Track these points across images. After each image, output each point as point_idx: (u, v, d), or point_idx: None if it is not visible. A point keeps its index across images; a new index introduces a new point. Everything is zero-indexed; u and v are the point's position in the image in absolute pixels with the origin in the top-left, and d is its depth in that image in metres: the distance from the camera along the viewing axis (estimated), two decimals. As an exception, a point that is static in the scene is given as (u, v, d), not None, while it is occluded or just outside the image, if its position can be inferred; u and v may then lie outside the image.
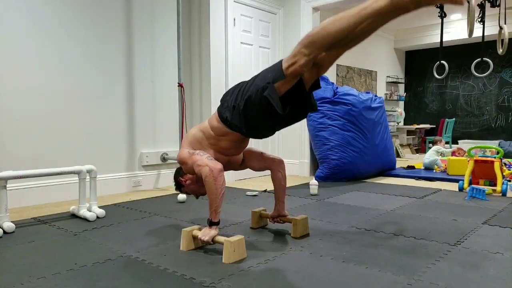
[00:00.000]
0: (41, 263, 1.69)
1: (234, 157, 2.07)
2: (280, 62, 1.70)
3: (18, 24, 2.88)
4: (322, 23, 1.59)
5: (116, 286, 1.45)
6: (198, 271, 1.58)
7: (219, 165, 1.77)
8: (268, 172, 4.61)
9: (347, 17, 1.52)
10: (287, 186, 3.72)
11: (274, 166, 2.12)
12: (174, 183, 2.16)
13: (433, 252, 1.79)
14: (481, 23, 3.46)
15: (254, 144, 4.34)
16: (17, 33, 2.88)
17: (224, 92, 4.10)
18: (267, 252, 1.82)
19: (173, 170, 3.90)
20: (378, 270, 1.58)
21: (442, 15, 3.94)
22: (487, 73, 3.79)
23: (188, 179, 2.10)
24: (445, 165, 4.56)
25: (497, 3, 2.93)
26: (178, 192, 2.22)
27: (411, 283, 1.45)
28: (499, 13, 3.01)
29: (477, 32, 5.71)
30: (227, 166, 2.06)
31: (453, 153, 5.12)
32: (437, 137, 5.34)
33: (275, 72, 1.70)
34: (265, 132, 1.89)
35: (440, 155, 4.87)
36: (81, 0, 3.21)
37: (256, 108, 1.74)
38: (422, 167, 4.91)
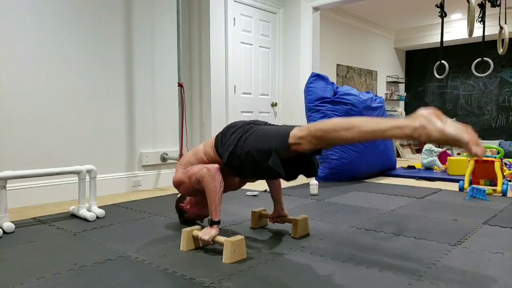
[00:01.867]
0: (41, 263, 1.69)
1: (230, 178, 2.03)
2: (288, 130, 1.68)
3: (17, 24, 2.88)
4: (336, 122, 1.54)
5: (116, 286, 1.44)
6: (198, 271, 1.58)
7: (215, 165, 1.80)
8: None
9: (362, 131, 1.47)
10: (287, 186, 3.73)
11: None
12: (177, 214, 2.23)
13: (434, 252, 1.79)
14: (482, 22, 3.46)
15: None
16: (17, 33, 2.88)
17: (224, 92, 4.12)
18: (267, 252, 1.81)
19: (173, 170, 3.91)
20: (379, 270, 1.57)
21: (443, 15, 3.94)
22: (487, 73, 3.79)
23: (188, 203, 2.14)
24: (446, 165, 4.55)
25: (498, 3, 2.93)
26: (181, 219, 2.26)
27: (411, 283, 1.45)
28: (499, 13, 3.01)
29: (477, 31, 5.71)
30: (227, 188, 2.03)
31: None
32: None
33: (281, 141, 1.68)
34: (260, 178, 1.89)
35: (434, 153, 4.87)
36: (81, 0, 3.21)
37: (253, 164, 1.74)
38: (422, 167, 4.91)
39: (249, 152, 1.73)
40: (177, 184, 1.96)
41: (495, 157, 3.47)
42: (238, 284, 1.45)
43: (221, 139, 1.88)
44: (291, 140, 1.65)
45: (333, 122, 1.55)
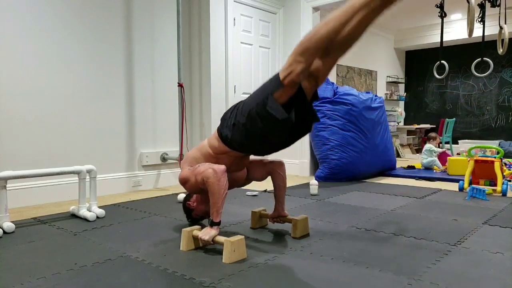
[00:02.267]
0: (41, 263, 1.69)
1: (237, 174, 2.07)
2: (277, 74, 1.69)
3: (17, 24, 2.88)
4: (314, 27, 1.59)
5: (116, 286, 1.44)
6: (198, 271, 1.58)
7: (222, 166, 1.78)
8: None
9: (336, 16, 1.52)
10: (287, 186, 3.72)
11: (274, 168, 2.12)
12: (185, 213, 2.20)
13: (434, 252, 1.79)
14: (481, 23, 3.46)
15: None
16: (17, 33, 2.88)
17: (224, 92, 4.12)
18: (267, 252, 1.82)
19: (173, 170, 3.91)
20: (379, 270, 1.57)
21: (442, 15, 3.94)
22: (487, 73, 3.78)
23: (195, 201, 2.13)
24: (445, 165, 4.56)
25: (497, 3, 2.93)
26: (189, 220, 2.24)
27: (411, 283, 1.45)
28: (499, 13, 3.01)
29: (477, 32, 5.71)
30: (232, 183, 2.06)
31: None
32: (432, 134, 5.33)
33: (273, 83, 1.68)
34: (266, 147, 1.86)
35: (434, 154, 4.88)
36: (81, 0, 3.21)
37: (257, 122, 1.71)
38: (422, 167, 4.91)
39: (250, 111, 1.72)
40: (183, 181, 1.94)
41: (495, 157, 3.47)
42: (238, 284, 1.45)
43: (221, 125, 1.89)
44: (281, 75, 1.65)
45: (312, 29, 1.59)
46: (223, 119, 1.89)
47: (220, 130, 1.89)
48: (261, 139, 1.78)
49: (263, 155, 1.96)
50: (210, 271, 1.58)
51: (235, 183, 2.09)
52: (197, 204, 2.15)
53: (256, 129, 1.73)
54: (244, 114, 1.75)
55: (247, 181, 2.15)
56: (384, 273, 1.54)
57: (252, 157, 2.12)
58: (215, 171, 1.75)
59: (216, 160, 1.93)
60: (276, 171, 2.12)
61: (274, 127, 1.70)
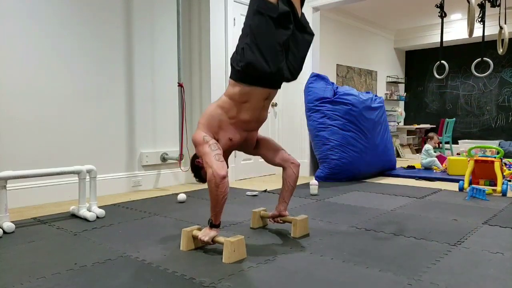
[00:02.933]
0: (41, 263, 1.69)
1: (252, 135, 2.01)
2: None
3: (17, 24, 2.88)
4: None
5: (116, 286, 1.44)
6: (198, 271, 1.58)
7: (223, 171, 1.72)
8: (270, 171, 4.61)
9: None
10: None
11: (290, 165, 2.08)
12: (191, 169, 2.08)
13: (433, 252, 1.79)
14: (481, 23, 3.46)
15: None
16: (17, 34, 2.88)
17: (224, 91, 4.11)
18: (267, 252, 1.82)
19: (173, 170, 3.91)
20: (379, 270, 1.57)
21: (442, 15, 3.94)
22: (487, 73, 3.78)
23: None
24: (445, 165, 4.56)
25: (497, 3, 2.93)
26: (197, 179, 2.10)
27: (411, 283, 1.45)
28: (499, 13, 3.01)
29: (477, 32, 5.71)
30: (244, 146, 2.02)
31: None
32: (430, 134, 5.32)
33: None
34: (279, 54, 1.80)
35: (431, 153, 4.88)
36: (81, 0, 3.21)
37: (261, 29, 1.74)
38: (422, 168, 4.91)
39: (250, 26, 1.77)
40: (194, 143, 1.88)
41: (494, 157, 3.47)
42: (238, 284, 1.45)
43: (232, 68, 1.88)
44: None
45: None
46: (232, 63, 1.88)
47: (232, 72, 1.87)
48: (270, 43, 1.77)
49: (280, 70, 1.85)
50: (210, 271, 1.58)
51: (246, 147, 2.05)
52: None
53: (262, 38, 1.75)
54: (246, 35, 1.78)
55: (256, 151, 2.10)
56: (384, 273, 1.54)
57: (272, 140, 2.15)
58: (214, 176, 1.70)
59: (237, 113, 1.87)
60: (290, 167, 2.07)
61: (276, 27, 1.75)
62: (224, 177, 1.72)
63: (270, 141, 2.13)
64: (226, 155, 1.97)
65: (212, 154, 1.77)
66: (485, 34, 3.50)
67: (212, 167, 1.72)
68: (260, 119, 1.98)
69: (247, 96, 1.86)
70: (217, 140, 1.89)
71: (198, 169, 2.07)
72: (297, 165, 2.10)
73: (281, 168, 2.13)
